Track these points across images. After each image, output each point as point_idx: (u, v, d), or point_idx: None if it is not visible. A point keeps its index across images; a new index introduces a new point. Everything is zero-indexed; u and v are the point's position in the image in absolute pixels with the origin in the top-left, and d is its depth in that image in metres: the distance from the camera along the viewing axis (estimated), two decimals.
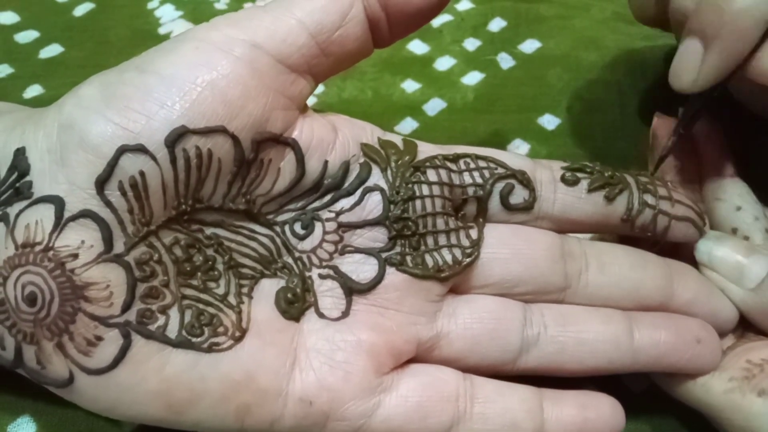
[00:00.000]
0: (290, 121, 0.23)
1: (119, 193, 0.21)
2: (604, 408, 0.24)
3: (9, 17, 0.42)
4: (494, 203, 0.26)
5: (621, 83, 0.38)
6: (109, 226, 0.21)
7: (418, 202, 0.24)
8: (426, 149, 0.26)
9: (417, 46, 0.41)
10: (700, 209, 0.27)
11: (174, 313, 0.22)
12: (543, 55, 0.40)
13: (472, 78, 0.39)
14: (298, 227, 0.24)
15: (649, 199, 0.26)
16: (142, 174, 0.21)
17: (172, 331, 0.22)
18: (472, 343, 0.24)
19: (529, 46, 0.41)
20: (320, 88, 0.39)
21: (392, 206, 0.24)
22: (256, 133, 0.22)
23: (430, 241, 0.25)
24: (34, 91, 0.38)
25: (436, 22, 0.43)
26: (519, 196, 0.26)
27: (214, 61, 0.22)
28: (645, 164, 0.32)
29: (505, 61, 0.40)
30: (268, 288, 0.24)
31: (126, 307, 0.21)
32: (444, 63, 0.40)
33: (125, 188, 0.21)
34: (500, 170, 0.26)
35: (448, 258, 0.25)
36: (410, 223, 0.24)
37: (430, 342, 0.24)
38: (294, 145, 0.23)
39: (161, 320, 0.22)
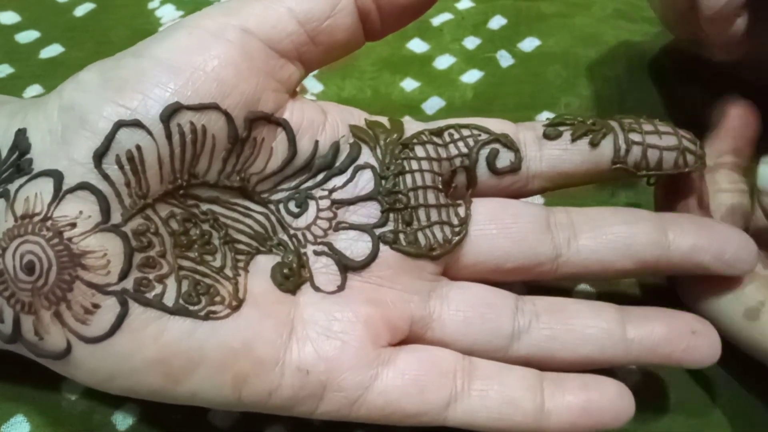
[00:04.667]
0: (280, 103, 0.24)
1: (116, 166, 0.22)
2: (610, 390, 0.23)
3: (9, 17, 0.42)
4: (482, 170, 0.26)
5: (621, 80, 0.38)
6: (107, 198, 0.22)
7: (408, 177, 0.25)
8: (412, 126, 0.27)
9: (417, 45, 0.41)
10: (692, 137, 0.27)
11: (171, 283, 0.22)
12: (542, 53, 0.40)
13: (472, 76, 0.39)
14: (292, 205, 0.25)
15: (636, 137, 0.26)
16: (138, 148, 0.22)
17: (170, 299, 0.22)
18: (464, 325, 0.24)
19: (529, 44, 0.41)
20: (319, 87, 0.39)
21: (383, 181, 0.25)
22: (248, 111, 0.23)
23: (422, 215, 0.25)
24: (34, 90, 0.38)
25: (437, 21, 0.42)
26: (505, 159, 0.26)
27: (207, 45, 0.23)
28: None
29: (505, 59, 0.40)
30: (264, 263, 0.24)
31: (123, 276, 0.21)
32: (443, 61, 0.40)
33: (122, 161, 0.22)
34: (484, 136, 0.26)
35: (439, 236, 0.25)
36: (401, 196, 0.25)
37: (422, 321, 0.24)
38: (285, 125, 0.24)
39: (158, 289, 0.22)
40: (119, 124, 0.21)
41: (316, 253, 0.25)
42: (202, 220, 0.24)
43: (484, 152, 0.26)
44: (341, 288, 0.24)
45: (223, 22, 0.23)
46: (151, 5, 0.44)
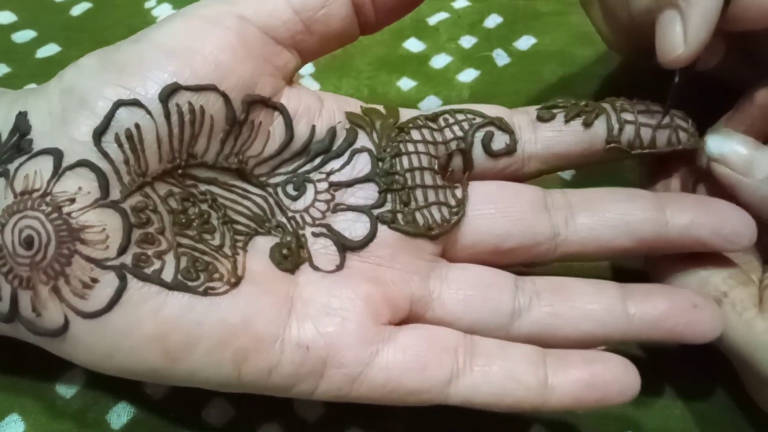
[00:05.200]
0: (277, 89, 0.25)
1: (116, 144, 0.22)
2: (614, 365, 0.23)
3: (6, 17, 0.42)
4: (478, 153, 0.27)
5: (616, 78, 0.38)
6: (106, 174, 0.22)
7: (404, 158, 0.26)
8: (408, 113, 0.27)
9: (413, 44, 0.41)
10: (683, 115, 0.28)
11: (170, 259, 0.22)
12: (538, 51, 0.40)
13: (468, 75, 0.39)
14: (290, 189, 0.25)
15: (628, 116, 0.27)
16: (137, 126, 0.22)
17: (168, 275, 0.22)
18: (464, 304, 0.25)
19: (525, 42, 0.41)
20: (316, 86, 0.39)
21: (380, 163, 0.25)
22: (246, 94, 0.24)
23: (419, 196, 0.26)
24: None
25: (433, 20, 0.43)
26: (500, 141, 0.27)
27: (205, 31, 0.23)
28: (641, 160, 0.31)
29: (501, 57, 0.40)
30: (263, 244, 0.24)
31: (122, 251, 0.22)
32: (440, 61, 0.40)
33: (121, 140, 0.22)
34: (478, 120, 0.27)
35: (437, 216, 0.25)
36: (398, 177, 0.25)
37: (423, 301, 0.25)
38: (282, 110, 0.25)
39: (157, 264, 0.22)
40: (119, 104, 0.22)
41: (315, 235, 0.25)
42: (201, 200, 0.24)
43: (480, 135, 0.27)
44: (340, 267, 0.24)
45: (221, 10, 0.24)
46: (147, 5, 0.44)
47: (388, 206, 0.25)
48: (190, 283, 0.22)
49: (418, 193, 0.25)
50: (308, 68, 0.40)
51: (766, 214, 0.26)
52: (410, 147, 0.26)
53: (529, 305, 0.25)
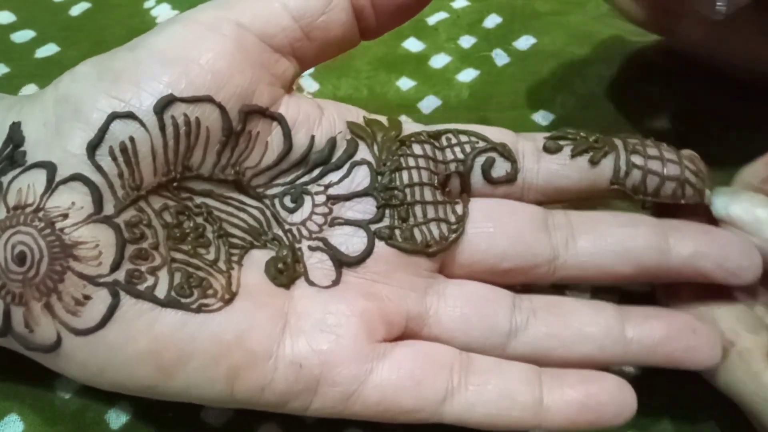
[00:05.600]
0: (276, 98, 0.24)
1: (110, 158, 0.22)
2: (610, 385, 0.23)
3: (5, 17, 0.42)
4: (477, 178, 0.26)
5: (616, 78, 0.38)
6: (99, 189, 0.22)
7: (404, 173, 0.25)
8: (411, 127, 0.26)
9: (412, 44, 0.41)
10: (697, 168, 0.26)
11: (163, 275, 0.22)
12: (537, 51, 0.40)
13: (467, 75, 0.39)
14: (287, 201, 0.25)
15: (637, 159, 0.26)
16: (132, 139, 0.22)
17: (161, 292, 0.22)
18: (461, 322, 0.24)
19: (524, 42, 0.41)
20: (315, 86, 0.39)
21: (379, 177, 0.25)
22: (243, 104, 0.23)
23: (418, 212, 0.25)
24: (29, 90, 0.38)
25: (432, 20, 0.42)
26: (501, 168, 0.26)
27: (202, 38, 0.23)
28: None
29: (500, 57, 0.40)
30: (258, 258, 0.24)
31: (115, 267, 0.21)
32: (439, 60, 0.40)
33: (116, 153, 0.22)
34: (481, 144, 0.26)
35: (436, 233, 0.25)
36: (398, 192, 0.25)
37: (419, 317, 0.24)
38: (281, 119, 0.24)
39: (150, 281, 0.22)
40: (113, 116, 0.21)
41: (311, 249, 0.24)
42: (196, 213, 0.24)
43: (480, 160, 0.26)
44: (336, 283, 0.24)
45: (218, 17, 0.23)
46: (146, 5, 0.44)
47: (386, 222, 0.25)
48: (183, 300, 0.22)
49: (417, 209, 0.25)
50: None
51: None
52: (411, 162, 0.25)
53: (526, 325, 0.24)
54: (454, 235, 0.25)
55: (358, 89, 0.39)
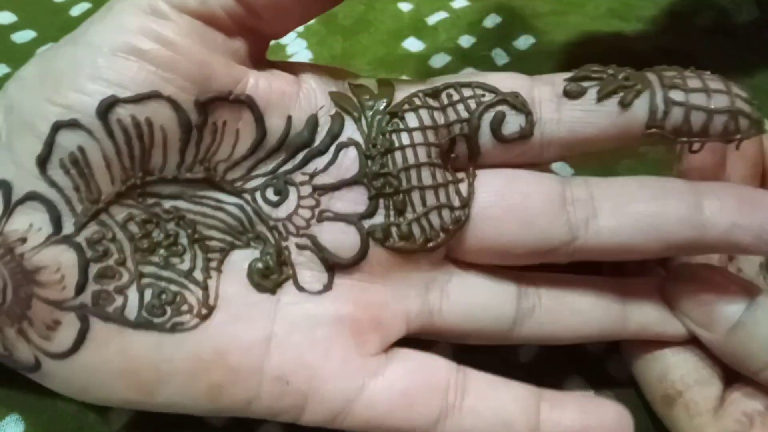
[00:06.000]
0: (238, 77, 0.21)
1: (62, 171, 0.20)
2: (609, 416, 0.22)
3: (6, 17, 0.42)
4: (486, 137, 0.23)
5: None
6: (57, 206, 0.20)
7: (398, 154, 0.22)
8: (406, 88, 0.23)
9: (412, 44, 0.41)
10: (747, 95, 0.22)
11: (132, 293, 0.21)
12: (537, 51, 0.40)
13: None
14: (270, 193, 0.22)
15: (677, 95, 0.22)
16: (81, 149, 0.20)
17: (131, 312, 0.21)
18: (464, 317, 0.23)
19: (524, 42, 0.41)
20: None
21: (369, 162, 0.22)
22: (199, 93, 0.21)
23: (416, 200, 0.22)
24: None
25: (432, 19, 0.43)
26: (514, 123, 0.23)
27: (140, 26, 0.20)
28: (640, 159, 0.31)
29: (500, 57, 0.40)
30: (241, 260, 0.22)
31: (80, 290, 0.20)
32: (439, 60, 0.40)
33: (67, 165, 0.20)
34: (488, 96, 0.23)
35: (437, 223, 0.23)
36: (391, 179, 0.22)
37: (421, 315, 0.23)
38: (249, 102, 0.21)
39: (119, 301, 0.21)
40: (57, 126, 0.20)
41: (299, 247, 0.22)
42: (166, 220, 0.22)
43: (488, 116, 0.22)
44: (328, 287, 0.22)
45: (153, 3, 0.21)
46: None
47: (380, 215, 0.22)
48: (155, 320, 0.21)
49: (415, 196, 0.22)
50: None
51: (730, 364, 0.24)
52: (405, 138, 0.22)
53: (532, 312, 0.24)
54: (455, 226, 0.23)
55: None
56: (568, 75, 0.23)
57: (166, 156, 0.21)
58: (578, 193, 0.23)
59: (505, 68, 0.39)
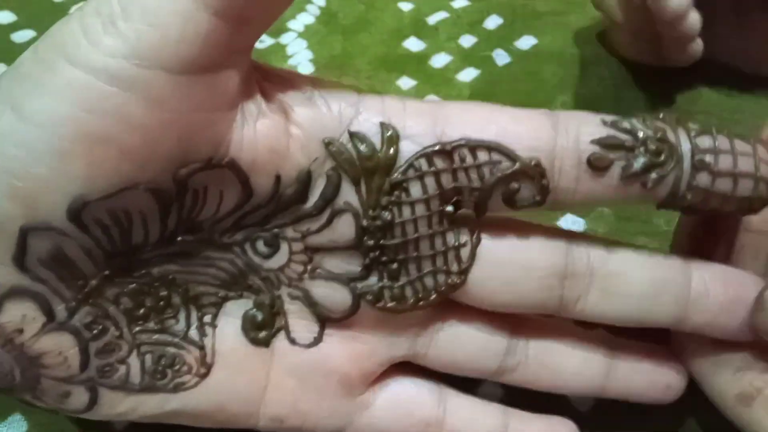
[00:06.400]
0: (219, 138, 0.19)
1: (42, 266, 0.19)
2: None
3: (6, 17, 0.42)
4: (496, 202, 0.21)
5: (616, 78, 0.38)
6: (45, 296, 0.20)
7: (397, 228, 0.21)
8: (412, 131, 0.20)
9: (413, 44, 0.41)
10: None
11: (134, 361, 0.21)
12: (538, 51, 0.40)
13: (468, 75, 0.39)
14: (260, 246, 0.21)
15: (703, 179, 0.20)
16: (57, 247, 0.19)
17: (135, 377, 0.21)
18: (449, 362, 0.24)
19: (525, 42, 0.41)
20: None
21: (366, 235, 0.21)
22: (177, 172, 0.19)
23: (412, 268, 0.22)
24: None
25: (432, 19, 0.43)
26: (527, 193, 0.21)
27: (99, 104, 0.17)
28: None
29: (501, 57, 0.40)
30: (235, 310, 0.22)
31: (84, 366, 0.21)
32: (439, 60, 0.40)
33: (46, 262, 0.19)
34: (505, 164, 0.20)
35: (431, 285, 0.22)
36: (388, 251, 0.21)
37: (406, 357, 0.24)
38: (231, 167, 0.19)
39: (122, 370, 0.21)
40: (26, 230, 0.18)
41: (292, 297, 0.22)
42: (157, 286, 0.21)
43: (502, 187, 0.21)
44: (318, 340, 0.23)
45: (113, 53, 0.17)
46: None
47: (373, 279, 0.21)
48: (158, 383, 0.22)
49: (411, 265, 0.21)
50: (308, 68, 0.40)
51: None
52: (406, 212, 0.21)
53: (516, 368, 0.24)
54: (450, 290, 0.22)
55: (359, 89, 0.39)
56: (596, 124, 0.21)
57: (147, 232, 0.20)
58: (578, 266, 0.22)
59: (506, 68, 0.40)
